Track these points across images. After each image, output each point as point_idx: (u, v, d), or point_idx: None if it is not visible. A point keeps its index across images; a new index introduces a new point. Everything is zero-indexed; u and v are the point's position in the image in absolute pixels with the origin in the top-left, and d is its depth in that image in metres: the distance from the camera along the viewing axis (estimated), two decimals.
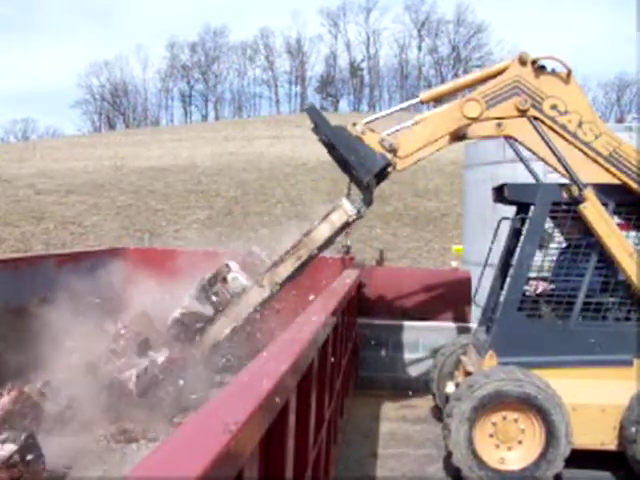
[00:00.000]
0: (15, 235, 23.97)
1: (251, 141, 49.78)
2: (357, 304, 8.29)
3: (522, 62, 5.93)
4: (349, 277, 6.87)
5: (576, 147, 5.92)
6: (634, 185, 5.83)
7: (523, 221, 6.47)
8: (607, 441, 5.66)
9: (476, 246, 10.64)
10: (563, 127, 5.91)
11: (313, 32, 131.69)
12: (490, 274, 7.00)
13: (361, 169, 5.94)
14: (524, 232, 6.18)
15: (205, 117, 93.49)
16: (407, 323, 8.79)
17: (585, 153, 5.92)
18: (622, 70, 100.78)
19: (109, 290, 8.51)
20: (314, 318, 3.61)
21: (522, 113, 5.93)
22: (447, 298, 9.00)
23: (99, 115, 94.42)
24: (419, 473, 5.96)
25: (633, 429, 5.45)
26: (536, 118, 5.92)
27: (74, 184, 31.13)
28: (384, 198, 29.65)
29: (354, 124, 6.02)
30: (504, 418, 5.47)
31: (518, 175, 9.21)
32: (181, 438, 1.54)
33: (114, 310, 8.14)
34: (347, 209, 6.26)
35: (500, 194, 6.39)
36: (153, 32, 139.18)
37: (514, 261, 6.32)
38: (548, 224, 6.05)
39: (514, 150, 6.33)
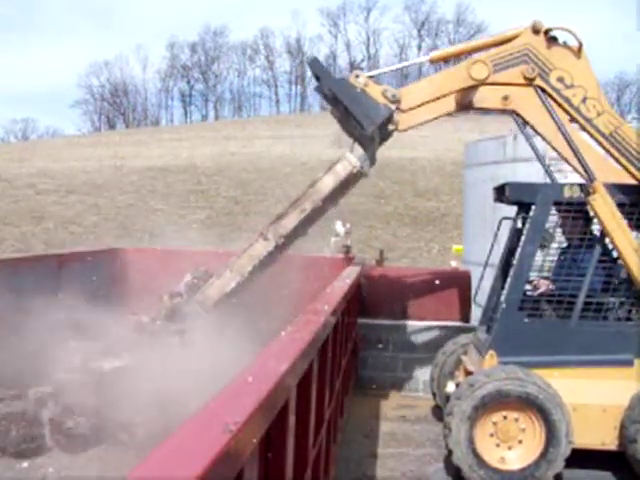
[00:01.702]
0: (15, 235, 23.98)
1: (251, 141, 49.78)
2: (357, 304, 8.29)
3: (535, 31, 5.89)
4: (349, 277, 6.86)
5: (578, 122, 5.91)
6: (631, 168, 5.81)
7: (524, 221, 6.47)
8: (608, 441, 5.65)
9: (476, 246, 10.65)
10: (567, 100, 5.88)
11: (313, 32, 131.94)
12: (490, 274, 6.99)
13: (365, 120, 5.89)
14: (525, 232, 6.18)
15: (205, 117, 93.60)
16: (407, 323, 8.79)
17: (586, 129, 5.90)
18: (622, 70, 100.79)
19: (109, 290, 8.51)
20: (314, 318, 3.60)
21: (528, 82, 5.90)
22: (447, 298, 8.99)
23: (99, 115, 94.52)
24: (419, 473, 5.96)
25: (634, 429, 5.44)
26: (542, 89, 5.90)
27: (74, 184, 31.13)
28: (384, 198, 29.67)
29: (357, 76, 5.98)
30: (505, 417, 5.46)
31: (518, 175, 9.23)
32: (181, 438, 1.53)
33: (114, 311, 8.13)
34: (351, 160, 6.21)
35: (501, 194, 6.38)
36: (153, 32, 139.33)
37: (515, 261, 6.32)
38: (549, 224, 6.04)
39: (530, 145, 6.27)
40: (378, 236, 25.27)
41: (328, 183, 6.29)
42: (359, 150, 6.32)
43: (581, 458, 5.57)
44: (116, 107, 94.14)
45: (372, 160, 6.38)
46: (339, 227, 13.97)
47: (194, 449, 1.44)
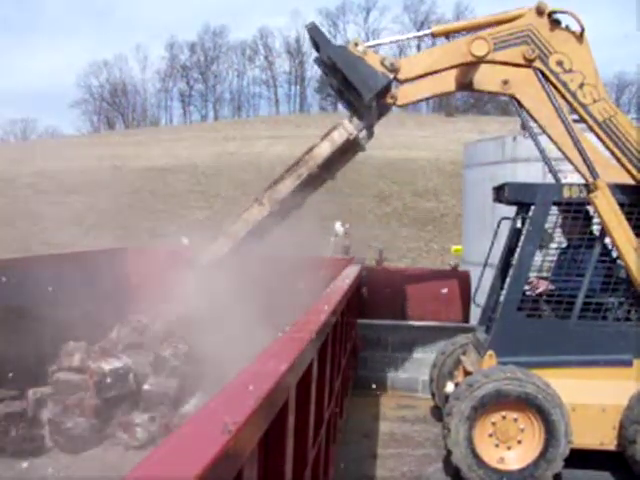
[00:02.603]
0: (14, 235, 23.96)
1: (250, 141, 49.77)
2: (356, 304, 8.29)
3: (539, 12, 5.87)
4: (348, 277, 6.86)
5: (573, 107, 5.90)
6: (623, 158, 5.80)
7: (523, 221, 6.47)
8: (606, 441, 5.65)
9: (476, 246, 10.65)
10: (564, 84, 5.88)
11: None
12: (490, 274, 7.00)
13: (363, 88, 5.87)
14: (524, 232, 6.18)
15: (204, 117, 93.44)
16: (407, 323, 8.79)
17: (580, 115, 5.89)
18: (621, 70, 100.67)
19: (109, 291, 8.50)
20: (314, 318, 3.60)
21: (528, 62, 5.89)
22: (446, 298, 8.99)
23: (98, 115, 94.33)
24: (418, 473, 5.96)
25: (633, 429, 5.45)
26: (541, 72, 5.89)
27: (73, 184, 31.11)
28: (384, 198, 29.67)
29: (356, 44, 5.96)
30: (503, 418, 5.47)
31: (517, 175, 9.24)
32: (180, 438, 1.54)
33: (113, 311, 8.13)
34: (348, 127, 6.20)
35: (500, 194, 6.38)
36: (152, 32, 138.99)
37: (514, 261, 6.32)
38: (548, 224, 6.04)
39: (532, 138, 6.24)
40: (377, 236, 25.25)
41: (324, 149, 6.30)
42: (356, 120, 6.31)
43: (580, 458, 5.58)
44: (115, 107, 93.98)
45: (370, 132, 6.36)
46: (338, 227, 13.96)
47: (193, 449, 1.44)
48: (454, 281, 9.18)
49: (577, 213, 5.88)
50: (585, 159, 5.76)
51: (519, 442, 5.46)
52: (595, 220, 5.91)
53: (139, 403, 6.69)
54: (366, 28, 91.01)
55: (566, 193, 5.82)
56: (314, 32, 6.13)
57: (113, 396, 6.53)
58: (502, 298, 6.19)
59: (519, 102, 6.07)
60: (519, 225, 6.64)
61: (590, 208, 5.87)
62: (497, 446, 5.46)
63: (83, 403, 6.33)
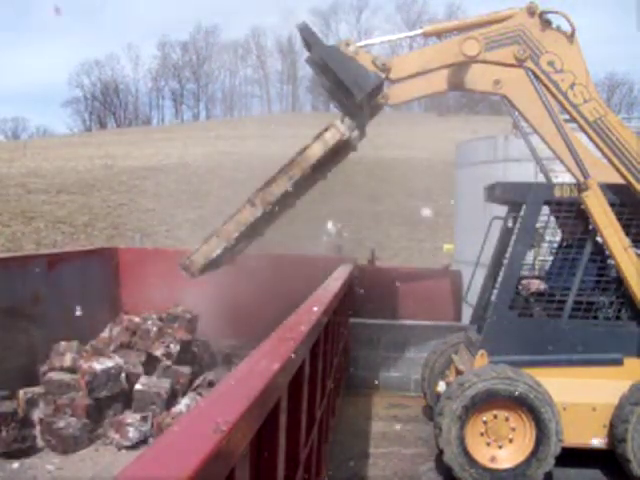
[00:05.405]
0: (5, 235, 23.84)
1: (242, 140, 49.66)
2: (348, 303, 8.29)
3: (530, 12, 5.88)
4: (340, 276, 6.86)
5: (564, 107, 5.92)
6: (613, 157, 5.81)
7: (515, 220, 6.49)
8: (597, 440, 5.68)
9: (467, 245, 10.67)
10: (555, 84, 5.89)
11: None
12: (481, 273, 7.01)
13: (355, 87, 5.85)
14: (515, 231, 6.19)
15: (196, 116, 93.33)
16: (399, 322, 8.79)
17: (571, 115, 5.91)
18: (612, 70, 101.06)
19: (99, 290, 8.48)
20: (305, 317, 3.60)
21: (519, 62, 5.90)
22: (438, 297, 9.01)
23: (90, 114, 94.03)
24: (410, 472, 5.97)
25: (623, 428, 5.47)
26: (532, 72, 5.90)
27: (65, 183, 31.00)
28: (376, 198, 29.68)
29: (347, 44, 5.94)
30: (495, 417, 5.48)
31: (509, 175, 9.26)
32: (172, 438, 1.54)
33: (105, 311, 8.11)
34: (340, 128, 6.17)
35: (492, 193, 6.40)
36: (144, 31, 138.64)
37: (505, 260, 6.34)
38: (539, 223, 6.05)
39: (525, 141, 6.24)
40: (370, 236, 25.26)
41: (316, 150, 6.28)
42: (348, 120, 6.31)
43: (571, 456, 5.60)
44: (107, 106, 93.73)
45: (361, 132, 6.35)
46: (331, 227, 13.95)
47: (185, 449, 1.44)
48: (446, 280, 9.20)
49: (568, 213, 5.89)
50: (576, 159, 5.77)
51: (510, 441, 5.47)
52: (586, 220, 5.92)
53: (131, 403, 6.68)
54: (358, 27, 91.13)
55: (557, 192, 5.84)
56: (305, 32, 6.11)
57: (105, 396, 6.52)
58: (493, 297, 6.20)
59: (510, 102, 6.09)
60: (510, 224, 6.66)
61: (581, 208, 5.88)
62: (489, 445, 5.48)
63: (74, 403, 6.31)
